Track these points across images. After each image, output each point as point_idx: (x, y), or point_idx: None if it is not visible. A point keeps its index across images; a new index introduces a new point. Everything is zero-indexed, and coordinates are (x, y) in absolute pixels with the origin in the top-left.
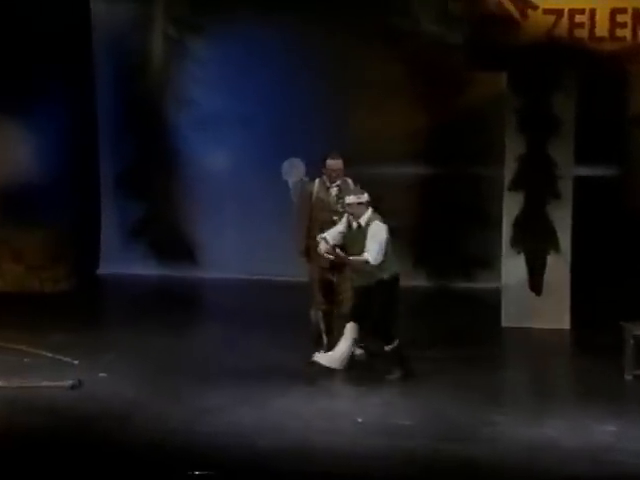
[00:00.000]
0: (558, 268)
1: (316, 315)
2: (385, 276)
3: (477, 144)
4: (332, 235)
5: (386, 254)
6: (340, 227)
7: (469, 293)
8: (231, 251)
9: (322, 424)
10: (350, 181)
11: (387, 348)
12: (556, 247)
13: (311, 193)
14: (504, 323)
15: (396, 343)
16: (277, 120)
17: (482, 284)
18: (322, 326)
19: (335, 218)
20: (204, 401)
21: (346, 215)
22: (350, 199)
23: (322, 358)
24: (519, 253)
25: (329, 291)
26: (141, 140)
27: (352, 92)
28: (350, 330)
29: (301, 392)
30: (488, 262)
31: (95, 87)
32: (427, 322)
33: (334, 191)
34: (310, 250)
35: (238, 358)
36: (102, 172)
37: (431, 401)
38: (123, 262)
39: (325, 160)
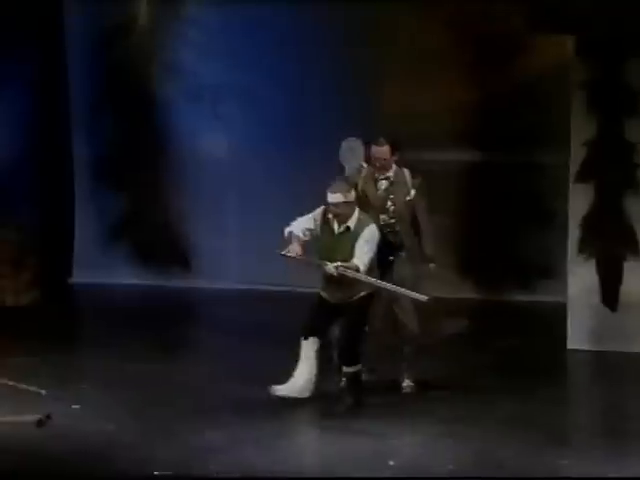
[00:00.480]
0: (637, 277)
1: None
2: (364, 292)
3: (536, 125)
4: (299, 228)
5: (372, 265)
6: (309, 222)
7: (527, 308)
8: (232, 256)
9: (346, 468)
10: (407, 173)
11: (347, 370)
12: (634, 251)
13: (356, 186)
14: (570, 345)
15: (358, 368)
16: (291, 96)
17: (543, 297)
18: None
19: (383, 220)
20: (200, 439)
21: (321, 210)
22: (335, 197)
23: (282, 390)
24: (589, 259)
25: (384, 309)
26: (123, 120)
27: (383, 64)
28: (307, 349)
29: (319, 428)
30: (550, 270)
31: (66, 54)
32: (474, 344)
33: (383, 184)
34: None
35: (240, 385)
36: (75, 160)
37: (479, 441)
38: (101, 269)
39: (369, 147)
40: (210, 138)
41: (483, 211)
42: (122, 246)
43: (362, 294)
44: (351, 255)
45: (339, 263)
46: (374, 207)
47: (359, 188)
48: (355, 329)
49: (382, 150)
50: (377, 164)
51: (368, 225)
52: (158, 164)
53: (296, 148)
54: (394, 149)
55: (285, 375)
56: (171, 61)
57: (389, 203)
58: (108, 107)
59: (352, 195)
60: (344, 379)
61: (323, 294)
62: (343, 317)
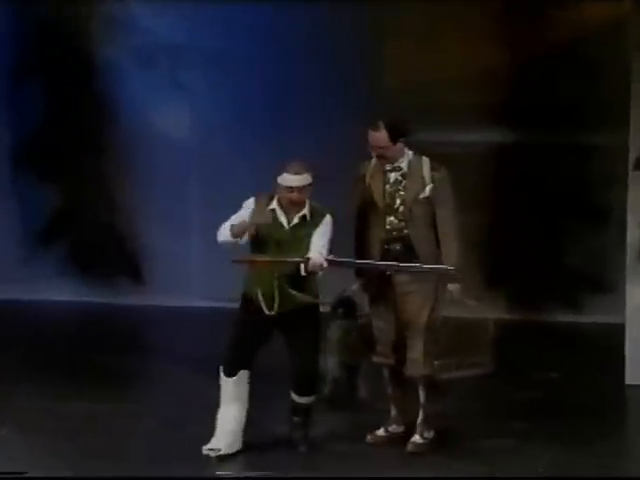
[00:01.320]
0: None
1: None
2: (314, 299)
3: (585, 98)
4: (233, 218)
5: None
6: (246, 211)
7: (573, 331)
8: (194, 264)
9: None
10: (427, 163)
11: (304, 401)
12: None
13: (363, 178)
14: (629, 379)
15: (314, 398)
16: (269, 63)
17: (594, 317)
18: (390, 391)
19: (390, 223)
20: None
21: (254, 202)
22: (299, 179)
23: (209, 447)
24: None
25: (393, 336)
26: (53, 90)
27: (386, 19)
28: (236, 387)
29: None
30: (603, 282)
31: None
32: (506, 377)
33: (392, 177)
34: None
35: (210, 430)
36: None
37: None
38: (26, 283)
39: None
40: (168, 113)
41: (517, 207)
42: (53, 253)
43: (309, 302)
44: (307, 252)
45: (324, 254)
46: (379, 207)
47: (366, 182)
48: (315, 344)
49: (378, 136)
50: (375, 154)
51: (324, 215)
52: (100, 147)
53: (273, 127)
54: (396, 134)
55: (263, 417)
56: (117, 14)
57: (397, 201)
58: (35, 78)
59: (309, 178)
60: (296, 417)
61: (254, 305)
62: (288, 333)
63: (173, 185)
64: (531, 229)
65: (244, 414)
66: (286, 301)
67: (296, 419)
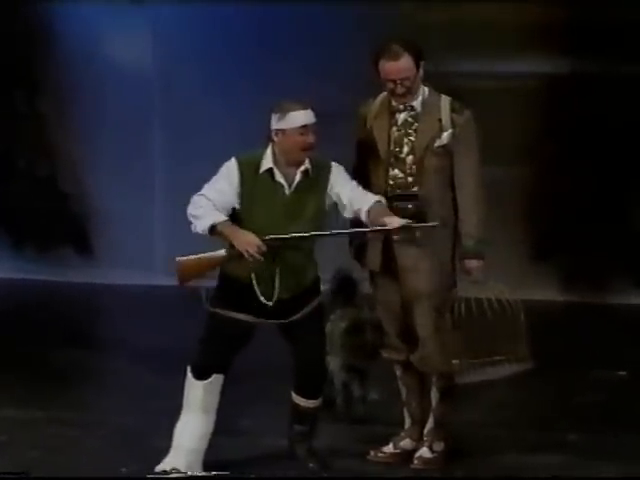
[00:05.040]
0: None
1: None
2: (315, 275)
3: None
4: (222, 208)
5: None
6: (226, 192)
7: (632, 314)
8: (156, 234)
9: None
10: (446, 102)
11: (310, 404)
12: None
13: (365, 120)
14: None
15: (320, 402)
16: None
17: None
18: (403, 395)
19: (393, 177)
20: None
21: (236, 165)
22: (305, 116)
23: (163, 466)
24: None
25: (401, 324)
26: None
27: None
28: (206, 393)
29: None
30: None
31: None
32: (560, 372)
33: (401, 118)
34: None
35: (158, 439)
36: None
37: None
38: None
39: (377, 62)
40: (123, 37)
41: (571, 157)
42: None
43: (317, 276)
44: (315, 221)
45: (406, 220)
46: (381, 157)
47: (367, 125)
48: (321, 335)
49: (401, 66)
50: (395, 90)
51: (328, 165)
52: (35, 80)
53: (260, 57)
54: (419, 58)
55: (229, 423)
56: None
57: (405, 150)
58: None
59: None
60: (299, 425)
61: (244, 292)
62: (288, 325)
63: (130, 131)
64: (589, 186)
65: (211, 428)
66: (287, 288)
67: (299, 428)
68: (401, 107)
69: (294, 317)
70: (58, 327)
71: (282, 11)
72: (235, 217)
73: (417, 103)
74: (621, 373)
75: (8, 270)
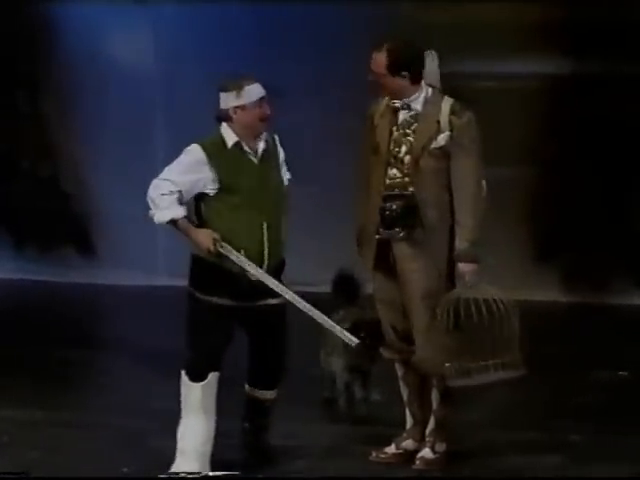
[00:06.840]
0: None
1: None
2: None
3: None
4: (187, 191)
5: None
6: (192, 172)
7: (633, 315)
8: (159, 234)
9: None
10: (448, 103)
11: (268, 396)
12: None
13: (372, 118)
14: None
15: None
16: None
17: None
18: (405, 395)
19: (391, 176)
20: None
21: (200, 148)
22: (260, 88)
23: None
24: None
25: (402, 324)
26: None
27: None
28: (205, 394)
29: None
30: None
31: None
32: (561, 373)
33: (402, 117)
34: (362, 233)
35: (164, 442)
36: None
37: None
38: None
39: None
40: (125, 35)
41: (573, 157)
42: None
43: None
44: (282, 187)
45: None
46: (381, 155)
47: (375, 123)
48: (286, 331)
49: (376, 58)
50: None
51: (272, 134)
52: (36, 80)
53: (263, 54)
54: (397, 63)
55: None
56: None
57: (403, 149)
58: None
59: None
60: (256, 417)
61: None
62: (262, 318)
63: (133, 131)
64: (590, 187)
65: (213, 428)
66: (274, 256)
67: (258, 420)
68: (397, 105)
69: (272, 301)
70: (59, 328)
71: (284, 11)
72: (217, 198)
73: (419, 103)
74: (622, 373)
75: (10, 270)
